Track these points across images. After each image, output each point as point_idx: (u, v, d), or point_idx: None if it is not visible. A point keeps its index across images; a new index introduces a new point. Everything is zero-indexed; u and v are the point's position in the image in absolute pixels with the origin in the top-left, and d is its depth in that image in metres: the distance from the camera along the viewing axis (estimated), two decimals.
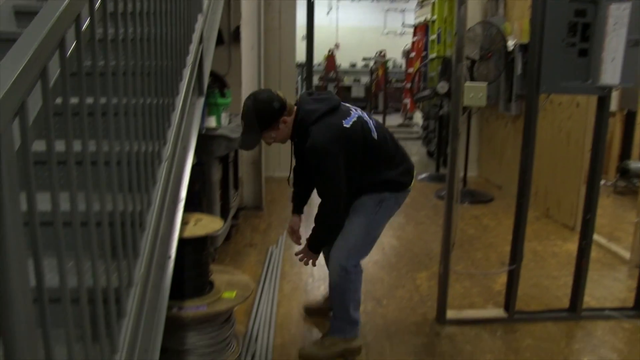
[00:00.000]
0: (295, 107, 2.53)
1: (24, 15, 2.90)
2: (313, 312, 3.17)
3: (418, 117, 10.48)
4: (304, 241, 2.79)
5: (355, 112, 2.60)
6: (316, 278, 3.72)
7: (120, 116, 1.75)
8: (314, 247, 2.70)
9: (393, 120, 12.25)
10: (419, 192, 6.35)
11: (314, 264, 2.76)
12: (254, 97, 2.50)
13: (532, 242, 4.44)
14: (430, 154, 8.30)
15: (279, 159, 6.76)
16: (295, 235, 2.93)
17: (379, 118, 10.69)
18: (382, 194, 2.68)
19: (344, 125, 2.47)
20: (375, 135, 2.59)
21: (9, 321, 0.97)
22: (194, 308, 2.51)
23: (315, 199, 2.70)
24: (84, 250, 1.39)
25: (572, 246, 4.24)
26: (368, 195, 2.66)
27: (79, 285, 1.37)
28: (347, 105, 2.66)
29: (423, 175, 7.05)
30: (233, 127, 3.98)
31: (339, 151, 2.44)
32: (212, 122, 3.80)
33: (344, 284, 2.62)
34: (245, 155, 5.22)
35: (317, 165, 2.49)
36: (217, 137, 3.68)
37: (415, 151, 9.16)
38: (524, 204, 3.04)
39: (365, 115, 2.63)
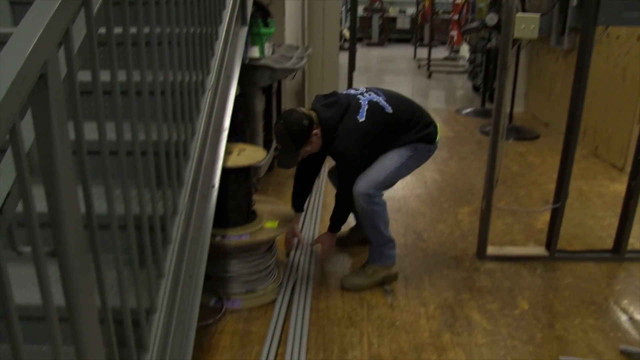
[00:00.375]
0: (315, 115, 2.65)
1: None
2: (338, 242, 3.20)
3: (465, 50, 10.18)
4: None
5: (364, 99, 2.69)
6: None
7: (164, 45, 1.75)
8: (336, 226, 2.85)
9: (439, 53, 11.94)
10: (463, 126, 6.24)
11: (329, 253, 2.99)
12: (284, 121, 2.60)
13: (577, 181, 4.34)
14: (475, 88, 8.11)
15: (322, 90, 6.70)
16: (296, 237, 3.07)
17: (424, 51, 10.47)
18: (417, 144, 2.76)
19: (360, 120, 2.61)
20: (389, 110, 2.69)
21: (62, 246, 1.01)
22: (236, 237, 2.56)
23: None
24: (130, 179, 1.43)
25: (620, 187, 4.13)
26: (403, 147, 2.76)
27: (126, 212, 1.40)
28: (354, 94, 2.75)
29: (468, 110, 6.92)
30: (276, 58, 3.94)
31: (362, 147, 2.64)
32: (255, 52, 3.77)
33: (371, 208, 2.68)
34: (288, 86, 5.19)
35: (346, 163, 2.69)
36: (261, 67, 3.65)
37: (461, 85, 8.96)
38: (572, 141, 2.95)
39: (373, 96, 2.72)
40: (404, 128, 2.73)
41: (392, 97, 2.77)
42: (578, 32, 4.67)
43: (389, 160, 2.71)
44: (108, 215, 1.29)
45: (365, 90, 2.78)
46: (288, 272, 2.89)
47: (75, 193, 1.02)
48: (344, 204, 2.79)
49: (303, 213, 3.26)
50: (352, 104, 2.67)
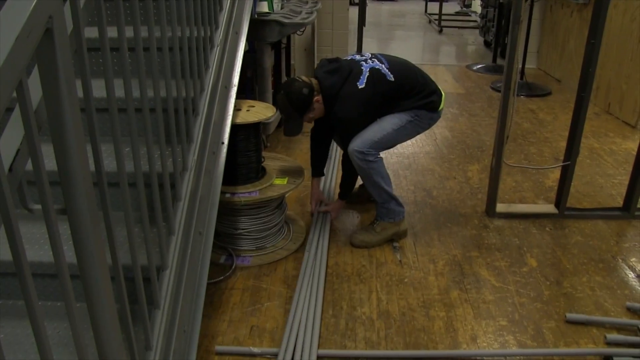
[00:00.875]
0: (317, 82, 2.68)
1: None
2: (349, 199, 3.21)
3: (476, 4, 9.97)
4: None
5: (366, 66, 2.69)
6: None
7: (172, 0, 1.72)
8: (345, 194, 2.97)
9: (450, 8, 11.70)
10: (474, 82, 6.16)
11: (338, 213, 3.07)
12: (284, 91, 2.65)
13: (589, 139, 4.30)
14: (487, 44, 7.97)
15: (331, 43, 6.61)
16: (321, 202, 3.08)
17: (435, 5, 10.26)
18: (419, 111, 2.76)
19: (359, 87, 2.63)
20: (391, 77, 2.69)
21: (72, 202, 1.01)
22: (246, 193, 2.57)
23: None
24: (139, 137, 1.42)
25: (632, 144, 4.09)
26: (404, 112, 2.75)
27: (135, 170, 1.40)
28: (357, 60, 2.74)
29: (479, 66, 6.81)
30: (285, 12, 3.87)
31: (360, 114, 2.67)
32: (264, 6, 3.70)
33: (366, 165, 2.69)
34: (297, 42, 5.12)
35: (344, 129, 2.74)
36: (270, 22, 3.59)
37: (472, 41, 8.80)
38: (585, 98, 2.91)
39: (377, 63, 2.73)
40: (406, 96, 2.74)
41: (396, 65, 2.77)
42: None
43: (387, 123, 2.71)
44: (118, 173, 1.28)
45: (370, 56, 2.77)
46: (313, 228, 2.90)
47: (84, 151, 1.01)
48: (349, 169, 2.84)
49: (323, 178, 3.32)
50: (353, 70, 2.68)
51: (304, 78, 2.69)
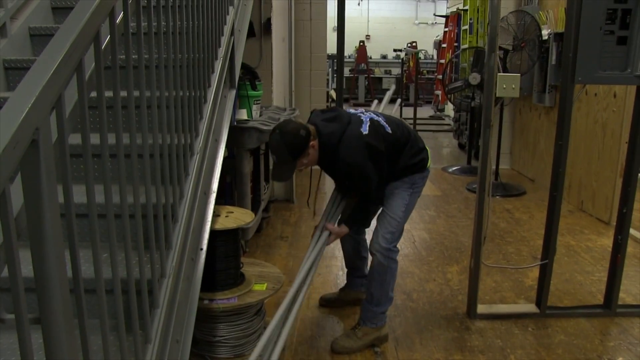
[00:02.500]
0: (314, 128, 2.61)
1: (61, 10, 2.96)
2: (327, 303, 3.19)
3: (449, 109, 10.38)
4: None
5: (365, 116, 2.70)
6: (345, 271, 3.71)
7: (153, 109, 1.77)
8: (352, 224, 2.82)
9: (424, 112, 12.15)
10: (450, 184, 6.29)
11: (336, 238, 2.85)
12: (280, 131, 2.54)
13: (565, 236, 4.36)
14: (461, 146, 8.22)
15: None
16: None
17: (410, 110, 10.66)
18: (413, 177, 2.79)
19: (363, 132, 2.60)
20: (389, 129, 2.70)
21: (47, 310, 1.00)
22: (225, 300, 2.53)
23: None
24: (118, 242, 1.42)
25: (607, 241, 4.15)
26: (400, 180, 2.77)
27: (113, 276, 1.39)
28: (356, 112, 2.76)
29: (454, 168, 6.99)
30: (264, 119, 3.99)
31: (368, 158, 2.59)
32: (243, 114, 3.82)
33: (389, 264, 2.72)
34: None
35: (353, 176, 2.66)
36: (249, 129, 3.69)
37: (447, 143, 9.08)
38: (557, 197, 2.98)
39: (374, 115, 2.74)
40: (402, 149, 2.74)
41: (391, 119, 2.79)
42: (558, 90, 4.79)
43: (395, 208, 2.74)
44: (95, 279, 1.27)
45: (364, 110, 2.80)
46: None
47: (62, 258, 1.01)
48: (366, 207, 2.80)
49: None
50: (353, 119, 2.65)
51: (300, 121, 2.63)
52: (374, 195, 2.71)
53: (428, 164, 2.86)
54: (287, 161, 2.55)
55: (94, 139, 1.30)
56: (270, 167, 4.95)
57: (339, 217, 2.88)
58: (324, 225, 2.78)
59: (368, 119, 2.67)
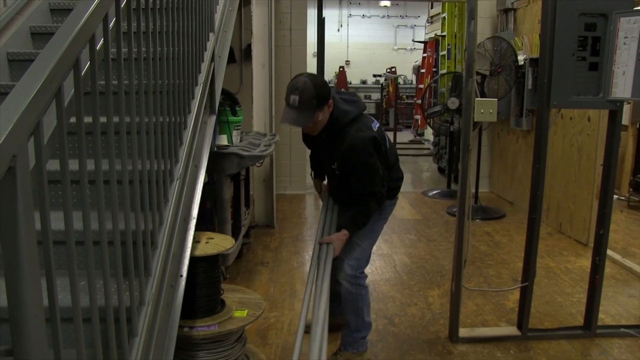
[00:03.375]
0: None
1: (41, 36, 2.96)
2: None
3: (429, 133, 10.47)
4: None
5: (375, 122, 2.71)
6: None
7: (132, 135, 1.77)
8: (354, 228, 2.66)
9: (404, 137, 12.25)
10: (430, 208, 6.32)
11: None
12: (308, 75, 2.48)
13: (544, 258, 4.39)
14: (441, 170, 8.29)
15: (289, 176, 6.78)
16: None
17: (390, 134, 10.74)
18: (385, 201, 2.77)
19: (374, 129, 2.61)
20: (387, 144, 2.72)
21: (22, 341, 0.97)
22: (205, 327, 2.50)
23: None
24: (96, 270, 1.40)
25: (586, 262, 4.19)
26: None
27: (91, 304, 1.37)
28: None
29: (434, 192, 7.03)
30: (244, 145, 3.99)
31: (374, 151, 2.55)
32: (223, 140, 3.82)
33: (357, 290, 2.71)
34: (256, 173, 5.24)
35: (356, 164, 2.55)
36: (229, 155, 3.69)
37: (427, 167, 9.14)
38: (536, 220, 3.01)
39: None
40: (389, 170, 2.72)
41: (387, 138, 2.76)
42: (535, 114, 4.87)
43: (360, 234, 2.71)
44: (72, 308, 1.25)
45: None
46: None
47: (38, 286, 0.99)
48: (366, 205, 2.63)
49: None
50: (366, 115, 2.65)
51: None
52: (376, 193, 2.60)
53: (399, 192, 2.90)
54: (309, 106, 2.43)
55: (73, 165, 1.29)
56: (251, 192, 4.94)
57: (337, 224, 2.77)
58: (320, 240, 2.66)
59: (377, 124, 2.68)
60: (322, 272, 2.46)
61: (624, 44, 2.74)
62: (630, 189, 6.14)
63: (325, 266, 2.49)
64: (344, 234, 2.62)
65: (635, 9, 2.76)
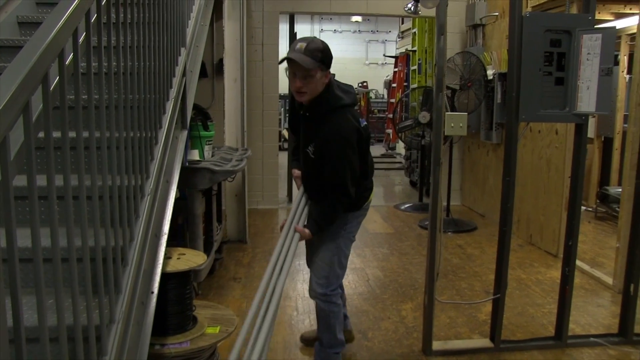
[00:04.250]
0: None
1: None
2: (307, 342, 3.16)
3: (401, 147, 10.56)
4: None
5: (363, 120, 2.68)
6: (300, 311, 3.68)
7: (102, 150, 1.74)
8: (316, 229, 2.63)
9: (376, 151, 12.31)
10: (403, 222, 6.36)
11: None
12: (321, 40, 2.51)
13: (516, 270, 4.44)
14: (413, 183, 8.35)
15: (262, 191, 6.76)
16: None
17: None
18: (346, 216, 2.71)
19: (362, 124, 2.59)
20: (368, 146, 2.75)
21: None
22: (177, 344, 2.46)
23: None
24: (65, 287, 1.37)
25: (556, 273, 4.25)
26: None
27: (58, 323, 1.34)
28: None
29: (406, 205, 7.07)
30: (216, 160, 3.97)
31: (355, 144, 2.54)
32: (195, 155, 3.80)
33: (329, 308, 2.71)
34: (228, 188, 5.21)
35: (334, 151, 2.51)
36: (201, 170, 3.66)
37: (399, 181, 9.20)
38: (507, 232, 3.05)
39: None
40: (364, 177, 2.71)
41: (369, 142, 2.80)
42: (504, 127, 4.95)
43: (324, 252, 2.70)
44: (39, 327, 1.22)
45: None
46: None
47: (3, 304, 0.97)
48: (332, 202, 2.59)
49: None
50: (356, 110, 2.65)
51: None
52: (347, 188, 2.54)
53: (367, 202, 2.84)
54: (314, 56, 2.41)
55: (41, 180, 1.27)
56: (223, 207, 4.91)
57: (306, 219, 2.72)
58: (292, 226, 2.61)
59: (365, 122, 2.67)
60: (280, 247, 2.49)
61: (587, 59, 2.81)
62: (598, 200, 6.27)
63: (291, 246, 2.51)
64: (306, 232, 2.59)
65: (595, 27, 2.84)
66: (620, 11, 5.17)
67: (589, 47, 2.79)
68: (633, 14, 5.09)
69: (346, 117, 2.52)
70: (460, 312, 3.68)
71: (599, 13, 4.86)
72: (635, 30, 4.42)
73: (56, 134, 1.33)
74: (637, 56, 3.84)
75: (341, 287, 3.05)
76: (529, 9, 4.96)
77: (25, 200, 1.88)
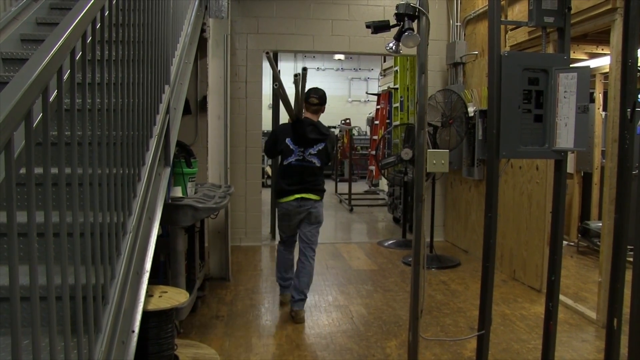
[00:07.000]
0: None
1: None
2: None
3: (383, 183, 10.61)
4: None
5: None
6: (285, 350, 3.63)
7: (85, 187, 1.74)
8: None
9: (359, 187, 12.36)
10: (386, 258, 6.34)
11: None
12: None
13: (500, 305, 4.44)
14: (396, 220, 8.36)
15: (245, 228, 6.73)
16: None
17: (345, 185, 10.84)
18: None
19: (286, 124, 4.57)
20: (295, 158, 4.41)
21: None
22: None
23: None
24: (43, 327, 1.35)
25: (540, 308, 4.25)
26: None
27: None
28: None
29: (390, 242, 7.07)
30: (199, 197, 3.96)
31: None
32: (178, 192, 3.78)
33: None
34: (211, 225, 5.18)
35: (331, 147, 4.41)
36: (183, 207, 3.65)
37: (382, 218, 9.21)
38: (490, 267, 3.05)
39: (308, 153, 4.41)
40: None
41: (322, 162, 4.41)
42: (485, 164, 5.00)
43: None
44: None
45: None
46: None
47: None
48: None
49: None
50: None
51: None
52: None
53: (282, 200, 4.31)
54: (323, 100, 4.39)
55: (21, 217, 1.26)
56: (206, 244, 4.88)
57: None
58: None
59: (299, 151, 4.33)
60: None
61: (564, 97, 2.87)
62: (579, 235, 6.32)
63: None
64: None
65: (571, 66, 2.91)
66: (593, 51, 5.31)
67: (566, 85, 2.86)
68: (605, 54, 5.23)
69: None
70: (445, 348, 3.66)
71: (574, 53, 4.98)
72: (608, 70, 4.54)
73: (37, 170, 1.32)
74: (611, 94, 3.94)
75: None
76: (507, 48, 5.08)
77: (4, 237, 1.86)
